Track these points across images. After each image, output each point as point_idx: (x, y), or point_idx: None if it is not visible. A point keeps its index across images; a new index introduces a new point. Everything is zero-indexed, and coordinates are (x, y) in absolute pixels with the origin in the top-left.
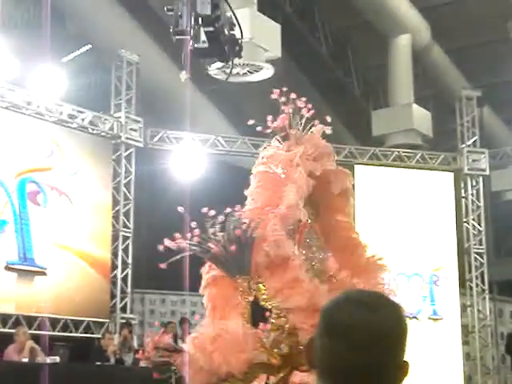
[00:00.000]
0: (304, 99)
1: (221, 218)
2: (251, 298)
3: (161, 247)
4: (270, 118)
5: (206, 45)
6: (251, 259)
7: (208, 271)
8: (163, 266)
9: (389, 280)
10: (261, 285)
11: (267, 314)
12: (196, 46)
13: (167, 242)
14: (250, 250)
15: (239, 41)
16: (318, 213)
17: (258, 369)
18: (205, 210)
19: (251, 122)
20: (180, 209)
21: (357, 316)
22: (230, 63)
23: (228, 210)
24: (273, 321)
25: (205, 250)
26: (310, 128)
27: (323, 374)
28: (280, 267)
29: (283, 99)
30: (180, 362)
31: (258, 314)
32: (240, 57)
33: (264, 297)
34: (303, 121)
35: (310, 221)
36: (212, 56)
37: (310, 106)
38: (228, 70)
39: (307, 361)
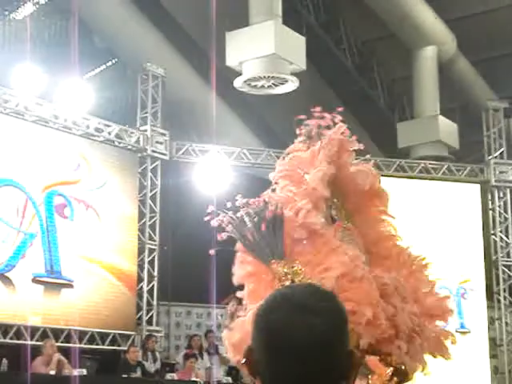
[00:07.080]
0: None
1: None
2: (288, 283)
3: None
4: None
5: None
6: (283, 241)
7: (240, 267)
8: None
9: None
10: (295, 267)
11: None
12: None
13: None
14: (280, 231)
15: None
16: (354, 222)
17: None
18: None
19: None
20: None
21: (297, 326)
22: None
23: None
24: None
25: (239, 232)
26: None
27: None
28: (313, 241)
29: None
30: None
31: None
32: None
33: (301, 278)
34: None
35: (345, 224)
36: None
37: (339, 118)
38: (253, 84)
39: (248, 371)
